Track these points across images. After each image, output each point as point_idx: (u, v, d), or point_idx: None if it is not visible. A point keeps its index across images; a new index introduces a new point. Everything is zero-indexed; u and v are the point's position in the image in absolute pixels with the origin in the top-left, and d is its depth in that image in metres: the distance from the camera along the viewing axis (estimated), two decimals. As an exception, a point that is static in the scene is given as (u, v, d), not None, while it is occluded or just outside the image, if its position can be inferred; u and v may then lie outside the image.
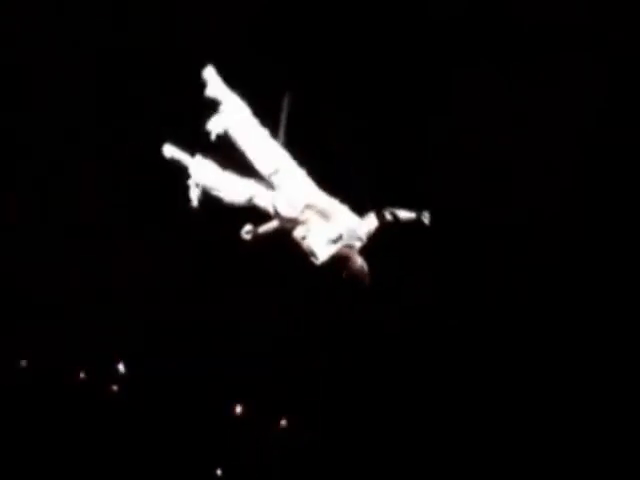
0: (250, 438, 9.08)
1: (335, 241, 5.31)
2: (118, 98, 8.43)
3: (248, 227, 5.58)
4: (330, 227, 5.36)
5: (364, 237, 5.43)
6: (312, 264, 5.37)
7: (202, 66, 8.08)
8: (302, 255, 5.40)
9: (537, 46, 8.24)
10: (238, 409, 9.10)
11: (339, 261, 5.35)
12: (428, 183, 8.41)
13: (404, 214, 5.65)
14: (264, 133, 5.58)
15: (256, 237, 5.57)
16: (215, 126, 5.60)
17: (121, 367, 9.04)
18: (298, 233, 5.40)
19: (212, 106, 5.71)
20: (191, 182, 5.69)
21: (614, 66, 8.25)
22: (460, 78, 8.31)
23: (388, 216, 5.59)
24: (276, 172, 5.52)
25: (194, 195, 5.67)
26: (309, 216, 5.42)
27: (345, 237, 5.35)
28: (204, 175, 5.69)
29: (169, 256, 8.69)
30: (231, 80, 7.98)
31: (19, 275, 8.77)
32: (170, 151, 5.82)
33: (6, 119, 8.58)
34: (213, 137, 5.58)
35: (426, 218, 5.64)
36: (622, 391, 8.66)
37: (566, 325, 8.74)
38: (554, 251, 8.68)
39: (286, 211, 5.47)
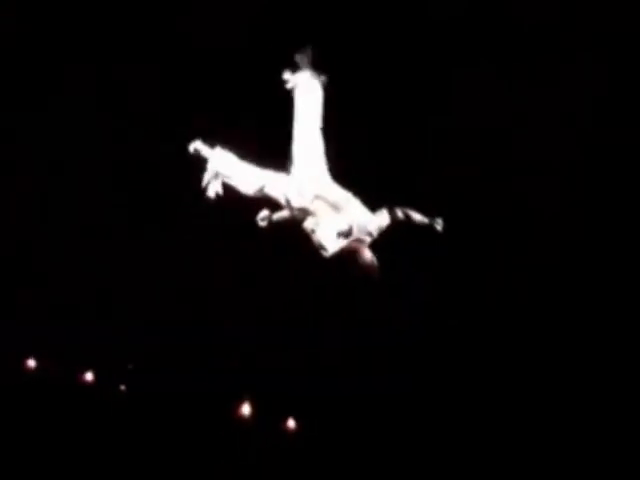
0: (256, 439, 9.10)
1: (346, 235, 5.32)
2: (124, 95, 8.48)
3: (264, 213, 5.55)
4: (340, 220, 5.36)
5: (374, 232, 5.43)
6: (321, 257, 5.38)
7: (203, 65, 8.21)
8: (312, 247, 5.41)
9: (537, 46, 8.27)
10: (245, 408, 9.12)
11: (348, 255, 5.36)
12: (427, 183, 8.45)
13: (417, 216, 5.66)
14: (317, 118, 5.60)
15: (270, 224, 5.55)
16: (293, 81, 5.64)
17: (129, 367, 9.08)
18: (308, 225, 5.40)
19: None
20: (209, 173, 5.69)
21: (614, 66, 8.28)
22: (460, 78, 8.34)
23: (400, 215, 5.60)
24: (299, 154, 5.52)
25: (211, 185, 5.66)
26: (319, 208, 5.42)
27: (355, 231, 5.36)
28: (221, 165, 5.68)
29: (174, 252, 8.73)
30: (235, 78, 8.14)
31: (22, 275, 8.82)
32: (195, 145, 5.80)
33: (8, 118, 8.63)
34: (289, 87, 5.64)
35: (439, 225, 5.65)
36: (622, 391, 8.69)
37: (568, 323, 8.77)
38: (555, 250, 8.71)
39: (296, 200, 5.46)
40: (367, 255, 5.39)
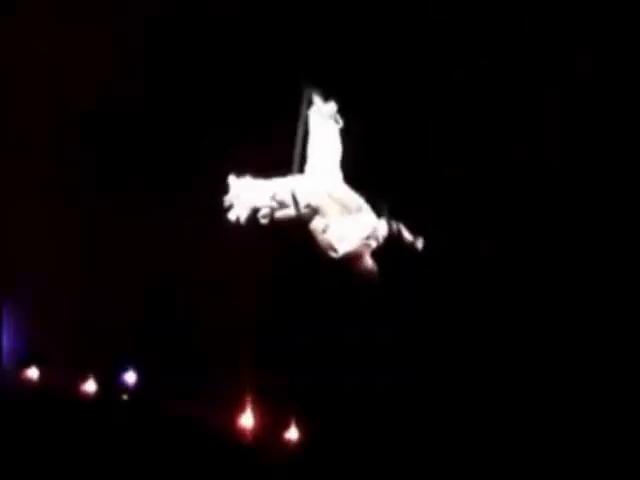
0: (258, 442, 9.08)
1: (367, 238, 5.33)
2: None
3: (265, 211, 5.53)
4: (354, 223, 5.36)
5: (381, 239, 5.43)
6: (325, 258, 5.37)
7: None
8: (317, 247, 5.40)
9: (537, 46, 8.30)
10: (248, 416, 9.09)
11: (354, 258, 5.35)
12: (427, 183, 8.46)
13: (406, 234, 5.64)
14: (337, 148, 5.61)
15: (273, 222, 5.53)
16: (327, 110, 5.65)
17: (131, 377, 9.05)
18: (317, 225, 5.39)
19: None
20: (231, 196, 5.65)
21: (614, 66, 8.30)
22: (460, 78, 8.36)
23: (394, 228, 5.58)
24: (312, 159, 5.54)
25: (233, 210, 5.64)
26: (329, 208, 5.41)
27: (371, 236, 5.37)
28: (243, 191, 5.64)
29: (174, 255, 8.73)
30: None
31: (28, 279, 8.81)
32: (230, 180, 5.71)
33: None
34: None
35: (419, 243, 5.63)
36: (621, 391, 8.67)
37: (568, 322, 8.76)
38: (555, 249, 8.72)
39: (304, 198, 5.44)
40: (368, 261, 5.39)
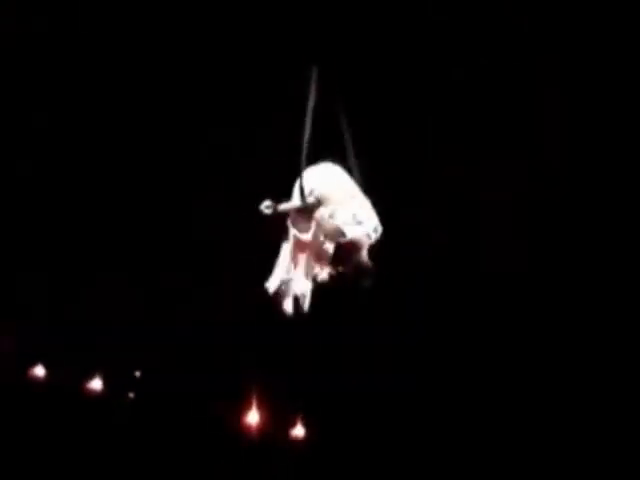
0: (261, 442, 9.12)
1: (373, 229, 5.32)
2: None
3: (268, 202, 5.51)
4: (362, 211, 5.34)
5: (379, 236, 5.43)
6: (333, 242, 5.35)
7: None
8: (323, 235, 5.39)
9: (536, 47, 8.28)
10: (252, 417, 9.14)
11: (354, 248, 5.32)
12: (425, 184, 8.48)
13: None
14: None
15: (276, 214, 5.50)
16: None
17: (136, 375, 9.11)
18: (323, 212, 5.36)
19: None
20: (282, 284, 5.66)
21: (613, 68, 8.29)
22: (460, 78, 8.35)
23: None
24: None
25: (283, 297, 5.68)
26: (336, 195, 5.40)
27: (375, 229, 5.37)
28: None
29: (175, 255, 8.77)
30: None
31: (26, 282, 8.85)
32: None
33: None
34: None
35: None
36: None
37: (568, 321, 8.77)
38: (557, 248, 8.72)
39: (310, 186, 5.43)
40: (364, 255, 5.36)
